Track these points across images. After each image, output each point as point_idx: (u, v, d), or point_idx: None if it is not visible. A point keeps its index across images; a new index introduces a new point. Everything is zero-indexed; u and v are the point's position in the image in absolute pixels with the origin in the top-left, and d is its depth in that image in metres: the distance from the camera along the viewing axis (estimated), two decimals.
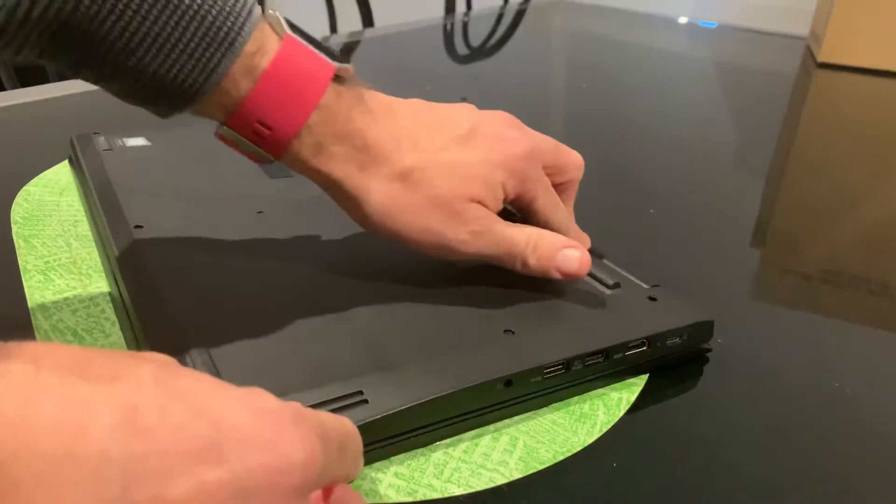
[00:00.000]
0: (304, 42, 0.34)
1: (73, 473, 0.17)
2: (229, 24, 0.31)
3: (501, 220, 0.37)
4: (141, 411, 0.18)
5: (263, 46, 0.33)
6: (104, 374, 0.19)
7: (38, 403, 0.17)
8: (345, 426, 0.24)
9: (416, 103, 0.38)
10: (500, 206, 0.38)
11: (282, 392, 0.30)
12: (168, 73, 0.31)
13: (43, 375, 0.18)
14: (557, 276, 0.38)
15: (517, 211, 0.40)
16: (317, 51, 0.34)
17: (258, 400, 0.21)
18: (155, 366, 0.20)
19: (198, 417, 0.19)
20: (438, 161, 0.36)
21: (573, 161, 0.41)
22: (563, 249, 0.38)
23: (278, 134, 0.33)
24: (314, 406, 0.29)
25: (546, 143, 0.40)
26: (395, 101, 0.37)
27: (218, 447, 0.19)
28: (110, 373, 0.19)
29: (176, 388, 0.20)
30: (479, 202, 0.36)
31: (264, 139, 0.34)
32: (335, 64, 0.34)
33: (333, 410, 0.29)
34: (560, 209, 0.40)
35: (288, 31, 0.34)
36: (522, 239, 0.37)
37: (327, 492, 0.25)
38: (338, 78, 0.35)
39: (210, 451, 0.19)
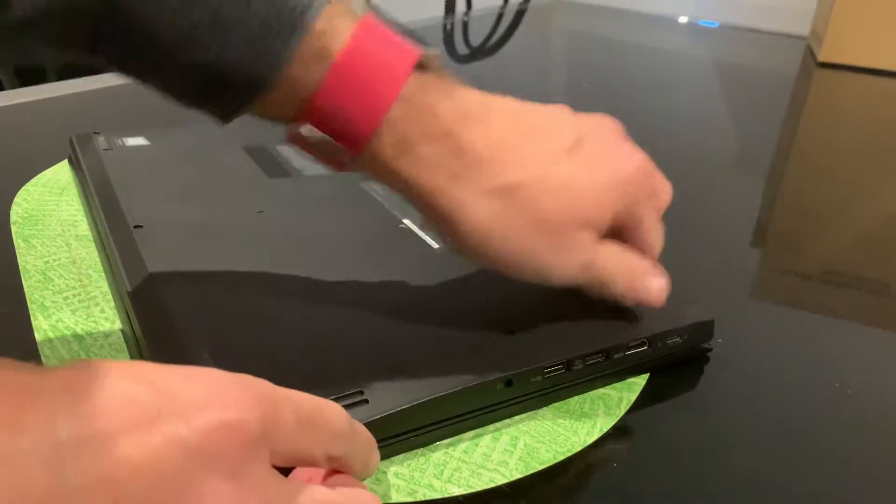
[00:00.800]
0: (382, 23, 0.30)
1: (23, 442, 0.17)
2: None
3: (601, 244, 0.34)
4: (79, 385, 0.19)
5: (335, 25, 0.29)
6: (39, 369, 0.20)
7: None
8: (313, 401, 0.24)
9: (511, 104, 0.33)
10: (604, 232, 0.34)
11: None
12: (230, 58, 0.28)
13: None
14: (630, 303, 0.35)
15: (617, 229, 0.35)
16: (397, 33, 0.31)
17: (190, 367, 0.22)
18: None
19: (135, 383, 0.20)
20: (546, 178, 0.32)
21: (666, 188, 0.36)
22: (648, 276, 0.35)
23: (357, 127, 0.30)
24: None
25: (649, 162, 0.35)
26: (489, 100, 0.33)
27: (158, 409, 0.19)
28: (44, 368, 0.20)
29: (106, 367, 0.20)
30: (588, 227, 0.32)
31: (341, 135, 0.30)
32: (419, 49, 0.31)
33: None
34: (660, 234, 0.36)
35: (363, 10, 0.30)
36: (612, 264, 0.34)
37: (328, 475, 0.25)
38: (422, 66, 0.31)
39: (151, 412, 0.19)
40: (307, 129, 0.31)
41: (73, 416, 0.18)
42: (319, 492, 0.23)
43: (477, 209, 0.31)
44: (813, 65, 1.00)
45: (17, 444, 0.17)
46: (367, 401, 0.30)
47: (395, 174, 0.31)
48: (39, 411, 0.18)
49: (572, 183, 0.32)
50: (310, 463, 0.24)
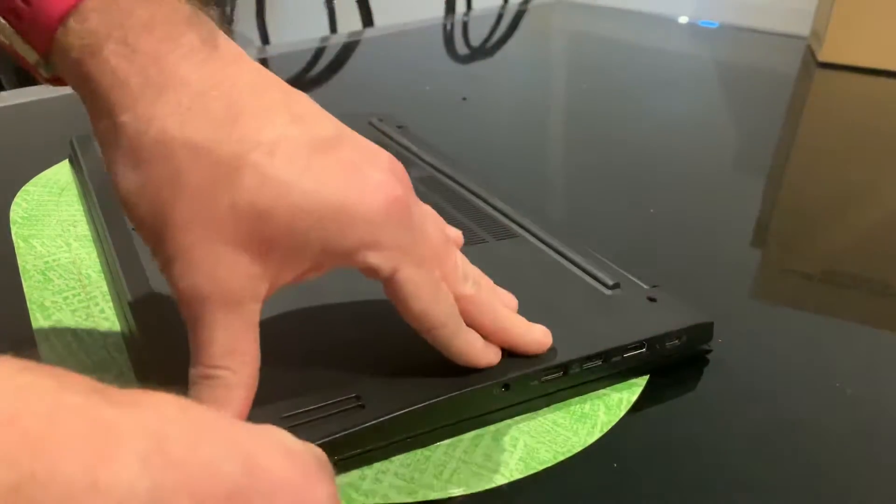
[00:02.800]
0: None
1: (109, 483, 0.16)
2: None
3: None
4: (171, 440, 0.17)
5: None
6: (126, 400, 0.18)
7: (62, 422, 0.16)
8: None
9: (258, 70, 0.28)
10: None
11: (279, 397, 0.30)
12: None
13: (66, 393, 0.17)
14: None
15: None
16: None
17: (284, 439, 0.21)
18: (174, 397, 0.19)
19: (228, 454, 0.18)
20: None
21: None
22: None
23: (40, 14, 0.25)
24: (311, 410, 0.29)
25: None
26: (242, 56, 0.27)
27: (246, 491, 0.18)
28: (132, 399, 0.18)
29: (203, 419, 0.19)
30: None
31: (23, 21, 0.25)
32: None
33: (330, 415, 0.30)
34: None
35: None
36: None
37: None
38: None
39: (239, 494, 0.18)
40: None
41: (155, 487, 0.17)
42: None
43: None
44: (813, 65, 1.00)
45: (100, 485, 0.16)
46: (363, 406, 0.30)
47: (82, 77, 0.26)
48: (120, 469, 0.16)
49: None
50: None
